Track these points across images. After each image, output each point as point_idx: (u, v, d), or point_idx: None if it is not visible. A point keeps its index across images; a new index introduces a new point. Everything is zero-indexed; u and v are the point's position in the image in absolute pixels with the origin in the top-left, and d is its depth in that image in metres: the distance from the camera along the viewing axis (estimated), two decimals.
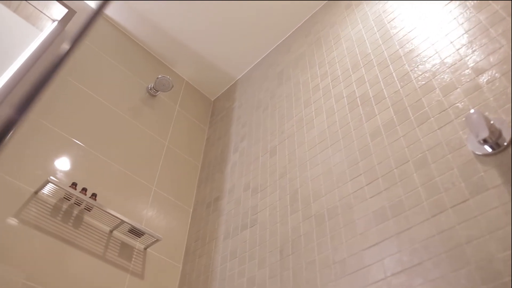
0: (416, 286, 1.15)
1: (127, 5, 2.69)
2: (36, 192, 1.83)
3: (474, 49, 1.47)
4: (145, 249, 2.10)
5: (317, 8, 2.66)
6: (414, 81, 1.61)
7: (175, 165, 2.55)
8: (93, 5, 2.51)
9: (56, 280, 1.71)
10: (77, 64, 2.39)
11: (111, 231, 2.01)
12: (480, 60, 1.42)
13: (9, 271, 1.60)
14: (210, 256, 2.03)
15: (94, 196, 1.95)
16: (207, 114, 3.08)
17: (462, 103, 1.38)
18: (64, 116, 2.14)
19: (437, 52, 1.61)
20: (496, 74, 1.33)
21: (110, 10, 2.73)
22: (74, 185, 1.90)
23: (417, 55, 1.68)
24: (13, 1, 2.41)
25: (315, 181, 1.73)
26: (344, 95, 1.91)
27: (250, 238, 1.86)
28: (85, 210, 1.95)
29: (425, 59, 1.64)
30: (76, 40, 0.71)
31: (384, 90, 1.72)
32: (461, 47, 1.52)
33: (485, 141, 1.18)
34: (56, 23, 2.56)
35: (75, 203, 1.92)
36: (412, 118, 1.52)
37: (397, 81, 1.69)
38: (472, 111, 1.18)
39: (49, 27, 2.55)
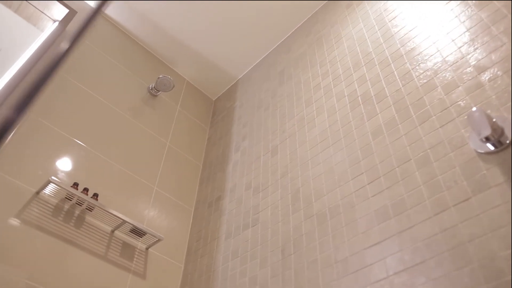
0: (419, 285, 1.15)
1: (128, 5, 2.69)
2: (37, 192, 1.83)
3: (476, 47, 1.46)
4: (147, 249, 2.09)
5: (317, 7, 2.66)
6: (415, 79, 1.61)
7: (177, 165, 2.55)
8: (94, 5, 2.51)
9: (58, 280, 1.71)
10: (78, 64, 2.39)
11: (112, 231, 2.01)
12: (482, 58, 1.41)
13: (11, 271, 1.60)
14: (212, 255, 2.03)
15: (95, 196, 1.95)
16: (208, 114, 3.08)
17: (464, 101, 1.37)
18: (65, 116, 2.14)
19: (438, 51, 1.60)
20: (498, 72, 1.33)
21: (111, 10, 2.73)
22: (75, 185, 1.90)
23: (419, 54, 1.67)
24: (14, 1, 2.41)
25: (316, 180, 1.73)
26: (346, 94, 1.91)
27: (251, 238, 1.86)
28: (87, 210, 1.95)
29: (426, 57, 1.63)
30: (74, 40, 0.71)
31: (385, 88, 1.72)
32: (463, 45, 1.52)
33: (487, 139, 1.18)
34: (57, 23, 2.57)
35: (76, 203, 1.92)
36: (413, 116, 1.51)
37: (398, 80, 1.69)
38: (474, 109, 1.17)
39: (50, 28, 2.55)
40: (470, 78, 1.41)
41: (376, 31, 1.99)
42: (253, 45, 2.86)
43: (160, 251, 2.14)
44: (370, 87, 1.80)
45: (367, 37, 2.03)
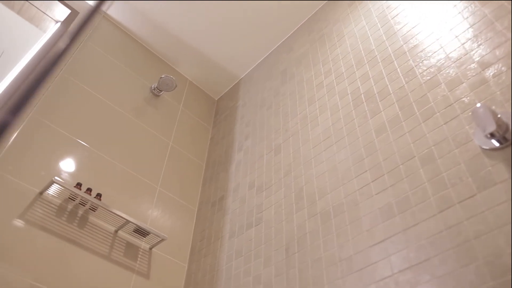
0: (424, 282, 1.14)
1: (130, 5, 2.69)
2: (41, 193, 1.83)
3: (479, 43, 1.45)
4: (151, 248, 2.09)
5: (319, 6, 2.65)
6: (419, 76, 1.60)
7: (180, 164, 2.55)
8: (93, 5, 2.51)
9: (62, 280, 1.71)
10: (81, 64, 2.39)
11: (116, 231, 2.01)
12: (486, 54, 1.40)
13: (16, 272, 1.60)
14: (216, 255, 2.02)
15: (99, 196, 1.95)
16: (211, 113, 3.08)
17: (468, 98, 1.36)
18: (68, 117, 2.15)
19: (442, 47, 1.59)
20: (503, 68, 1.32)
21: (113, 11, 2.73)
22: (78, 185, 1.90)
23: (422, 50, 1.66)
24: (16, 1, 2.42)
25: (320, 179, 1.72)
26: (349, 92, 1.90)
27: (255, 237, 1.85)
28: (90, 210, 1.95)
29: (429, 54, 1.62)
30: (71, 41, 0.70)
31: (388, 86, 1.71)
32: (466, 41, 1.50)
33: (492, 135, 1.17)
34: (59, 24, 2.57)
35: (80, 203, 1.92)
36: (417, 113, 1.50)
37: (401, 77, 1.68)
38: (478, 105, 1.17)
39: (52, 28, 2.56)
40: (474, 74, 1.40)
41: (379, 29, 1.99)
42: (255, 44, 2.85)
43: (164, 251, 2.14)
44: (373, 84, 1.79)
45: (369, 35, 2.02)
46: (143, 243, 2.08)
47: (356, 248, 1.39)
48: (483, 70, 1.38)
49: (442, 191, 1.25)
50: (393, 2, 2.02)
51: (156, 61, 2.93)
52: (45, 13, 2.51)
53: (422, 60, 1.63)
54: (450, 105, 1.41)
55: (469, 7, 1.59)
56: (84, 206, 1.93)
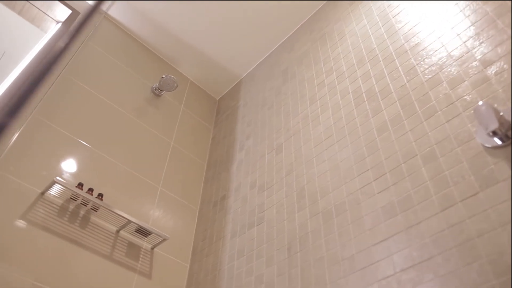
0: (426, 281, 1.14)
1: (131, 5, 2.69)
2: (42, 193, 1.83)
3: (481, 41, 1.45)
4: (152, 248, 2.09)
5: (320, 5, 2.65)
6: (420, 74, 1.60)
7: (181, 164, 2.55)
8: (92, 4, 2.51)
9: (63, 281, 1.71)
10: (82, 65, 2.39)
11: (118, 231, 2.01)
12: (488, 52, 1.40)
13: (17, 272, 1.60)
14: (218, 255, 2.02)
15: (100, 196, 1.95)
16: (212, 113, 3.07)
17: (470, 96, 1.36)
18: (69, 117, 2.15)
19: (443, 45, 1.59)
20: (505, 66, 1.31)
21: (114, 11, 2.73)
22: (80, 185, 1.90)
23: (423, 49, 1.66)
24: (17, 1, 2.42)
25: (322, 178, 1.72)
26: (350, 91, 1.90)
27: (257, 236, 1.85)
28: (92, 210, 1.95)
29: (431, 52, 1.62)
30: (68, 41, 0.69)
31: (390, 84, 1.71)
32: (468, 39, 1.50)
33: (494, 133, 1.16)
34: (60, 24, 2.57)
35: (81, 204, 1.92)
36: (419, 112, 1.50)
37: (403, 75, 1.67)
38: (480, 103, 1.16)
39: (53, 29, 2.56)
40: (476, 72, 1.39)
41: (380, 27, 1.98)
42: (256, 44, 2.85)
43: (166, 251, 2.14)
44: (374, 83, 1.79)
45: (371, 34, 2.02)
46: (145, 243, 2.08)
47: (358, 247, 1.38)
48: (485, 68, 1.37)
49: (445, 189, 1.25)
50: (394, 1, 2.01)
51: (157, 61, 2.93)
52: (46, 14, 2.51)
53: (424, 59, 1.63)
54: (452, 103, 1.40)
55: (471, 5, 1.58)
56: (86, 206, 1.93)
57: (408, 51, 1.73)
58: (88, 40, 2.52)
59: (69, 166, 2.00)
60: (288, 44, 2.74)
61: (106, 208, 1.90)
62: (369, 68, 1.87)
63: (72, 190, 1.82)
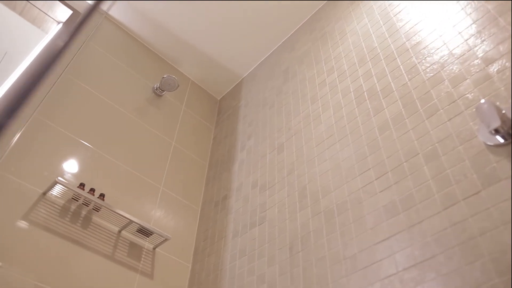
0: (429, 280, 1.13)
1: (132, 5, 2.69)
2: (44, 193, 1.83)
3: (483, 39, 1.44)
4: (154, 248, 2.09)
5: (321, 4, 2.65)
6: (422, 73, 1.59)
7: (183, 164, 2.55)
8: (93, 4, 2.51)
9: (65, 281, 1.71)
10: (83, 65, 2.39)
11: (119, 231, 2.00)
12: (490, 50, 1.39)
13: (19, 272, 1.60)
14: (219, 254, 2.02)
15: (102, 196, 1.95)
16: (214, 113, 3.07)
17: (472, 94, 1.35)
18: (70, 117, 2.15)
19: (445, 44, 1.58)
20: (507, 63, 1.31)
21: (115, 11, 2.73)
22: (82, 185, 1.90)
23: (425, 47, 1.66)
24: (18, 1, 2.42)
25: (323, 177, 1.72)
26: (351, 90, 1.89)
27: (259, 236, 1.85)
28: (94, 211, 1.95)
29: (432, 51, 1.61)
30: (69, 40, 0.69)
31: (391, 83, 1.70)
32: (470, 37, 1.50)
33: (496, 131, 1.16)
34: (61, 25, 2.57)
35: (83, 204, 1.92)
36: (421, 110, 1.49)
37: (404, 74, 1.67)
38: (482, 101, 1.16)
39: (54, 29, 2.56)
40: (477, 70, 1.39)
41: (381, 26, 1.98)
42: (257, 44, 2.85)
43: (167, 251, 2.14)
44: (376, 82, 1.79)
45: (372, 32, 2.01)
46: (146, 243, 2.08)
47: (361, 246, 1.38)
48: (486, 66, 1.37)
49: (447, 188, 1.24)
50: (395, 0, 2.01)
51: (158, 61, 2.93)
52: (47, 14, 2.51)
53: (425, 57, 1.62)
54: (454, 102, 1.40)
55: (472, 3, 1.58)
56: (88, 206, 1.93)
57: (410, 50, 1.72)
58: (89, 41, 2.52)
59: (71, 166, 2.00)
60: (289, 43, 2.73)
61: (108, 208, 1.90)
62: (371, 67, 1.87)
63: (74, 190, 1.82)
